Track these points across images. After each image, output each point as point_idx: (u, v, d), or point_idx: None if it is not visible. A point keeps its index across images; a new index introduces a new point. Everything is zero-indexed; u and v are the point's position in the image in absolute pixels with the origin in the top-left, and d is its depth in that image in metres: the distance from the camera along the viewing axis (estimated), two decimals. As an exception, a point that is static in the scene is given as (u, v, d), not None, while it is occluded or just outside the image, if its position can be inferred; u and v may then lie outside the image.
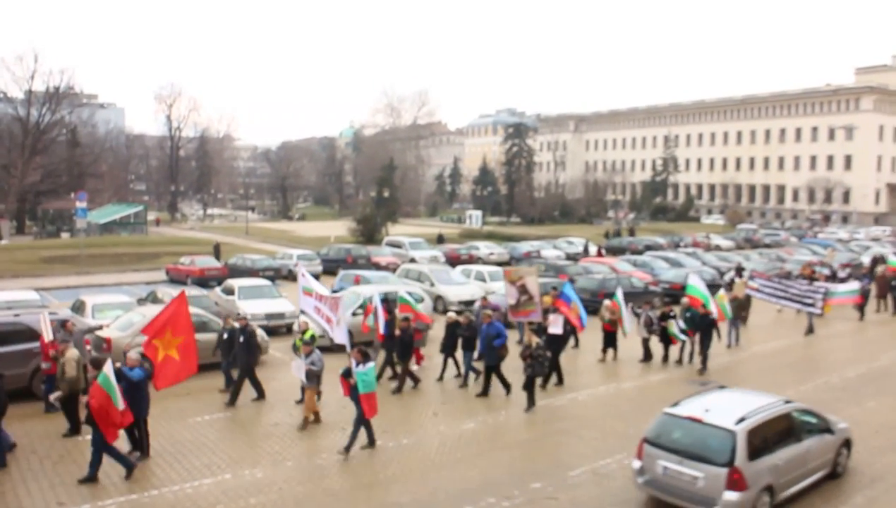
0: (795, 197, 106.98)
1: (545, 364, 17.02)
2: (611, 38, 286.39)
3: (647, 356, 22.15)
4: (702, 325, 21.15)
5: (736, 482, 10.71)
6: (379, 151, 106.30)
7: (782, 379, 20.34)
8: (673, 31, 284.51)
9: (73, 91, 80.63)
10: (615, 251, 54.48)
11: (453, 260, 45.81)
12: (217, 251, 47.02)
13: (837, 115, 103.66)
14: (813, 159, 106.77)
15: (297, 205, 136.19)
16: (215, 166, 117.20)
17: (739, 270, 37.22)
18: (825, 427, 12.91)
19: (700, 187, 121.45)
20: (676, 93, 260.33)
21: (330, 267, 41.62)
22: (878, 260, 40.37)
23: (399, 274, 34.11)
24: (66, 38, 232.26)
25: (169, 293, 25.44)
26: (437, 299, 29.88)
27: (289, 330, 24.25)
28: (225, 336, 18.18)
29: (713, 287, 27.76)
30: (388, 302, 21.08)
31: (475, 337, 19.05)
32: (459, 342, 19.41)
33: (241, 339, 17.22)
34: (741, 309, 25.30)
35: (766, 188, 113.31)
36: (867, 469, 13.73)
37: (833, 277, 35.46)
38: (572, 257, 48.89)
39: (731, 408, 11.79)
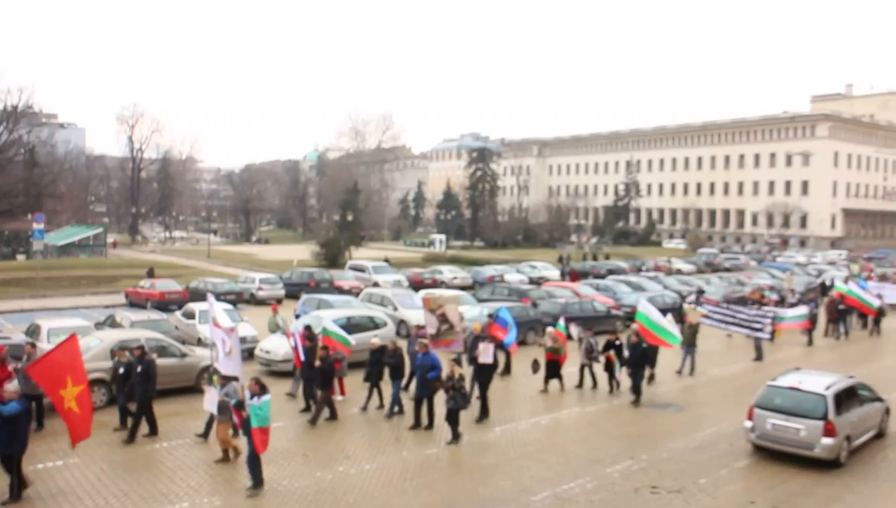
0: (754, 221, 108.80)
1: (468, 396, 16.34)
2: (574, 64, 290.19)
3: (583, 382, 21.58)
4: (633, 354, 20.31)
5: (829, 431, 14.83)
6: (343, 175, 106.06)
7: (736, 403, 20.52)
8: (634, 58, 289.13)
9: (32, 110, 79.13)
10: (578, 275, 54.82)
11: (416, 285, 45.75)
12: (151, 274, 45.65)
13: (794, 142, 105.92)
14: (771, 184, 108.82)
15: (259, 228, 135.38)
16: (177, 188, 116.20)
17: (700, 294, 37.66)
18: (876, 398, 17.15)
19: (661, 212, 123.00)
20: (638, 119, 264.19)
21: (292, 292, 41.29)
22: (829, 284, 40.88)
23: (362, 299, 33.95)
24: (26, 56, 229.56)
25: (127, 317, 25.07)
26: (401, 323, 29.77)
27: (250, 354, 23.98)
28: (121, 370, 16.67)
29: (662, 312, 27.55)
30: (310, 329, 20.00)
31: (402, 365, 18.41)
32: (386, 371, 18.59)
33: (139, 369, 15.96)
34: (694, 335, 24.54)
35: (726, 213, 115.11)
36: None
37: (782, 302, 35.43)
38: (536, 281, 49.12)
39: (817, 380, 16.10)
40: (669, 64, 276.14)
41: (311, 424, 17.31)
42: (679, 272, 59.54)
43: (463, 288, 44.74)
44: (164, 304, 36.28)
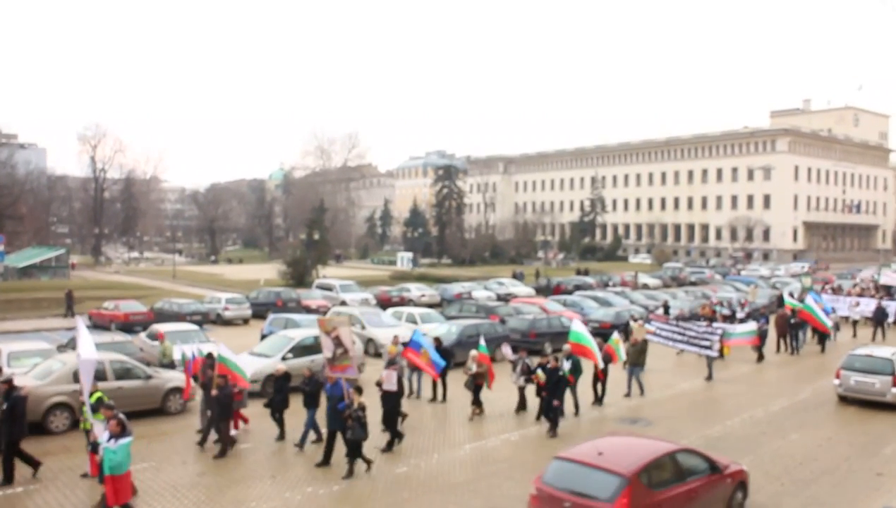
0: (718, 235, 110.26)
1: (366, 426, 15.09)
2: (539, 82, 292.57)
3: (523, 405, 20.58)
4: (551, 379, 18.78)
5: None
6: (309, 193, 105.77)
7: (702, 417, 20.70)
8: (597, 74, 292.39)
9: (-8, 131, 78.35)
10: (543, 291, 55.26)
11: (384, 303, 45.64)
12: (69, 299, 44.38)
13: (755, 156, 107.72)
14: (734, 198, 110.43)
15: (226, 247, 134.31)
16: (141, 208, 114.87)
17: (666, 308, 37.92)
18: None
19: (627, 227, 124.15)
20: (602, 136, 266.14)
21: (259, 311, 41.01)
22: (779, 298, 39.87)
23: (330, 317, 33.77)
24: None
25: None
26: (369, 342, 29.68)
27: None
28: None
29: (558, 335, 27.61)
30: (211, 357, 18.20)
31: (317, 393, 17.07)
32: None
33: (4, 406, 14.25)
34: (640, 354, 23.41)
35: (691, 227, 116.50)
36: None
37: (732, 317, 34.49)
38: (503, 298, 49.26)
39: (884, 350, 22.89)
40: (632, 80, 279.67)
41: (218, 458, 16.28)
42: (645, 286, 60.06)
43: (431, 305, 44.73)
44: (129, 326, 35.87)
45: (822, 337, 32.20)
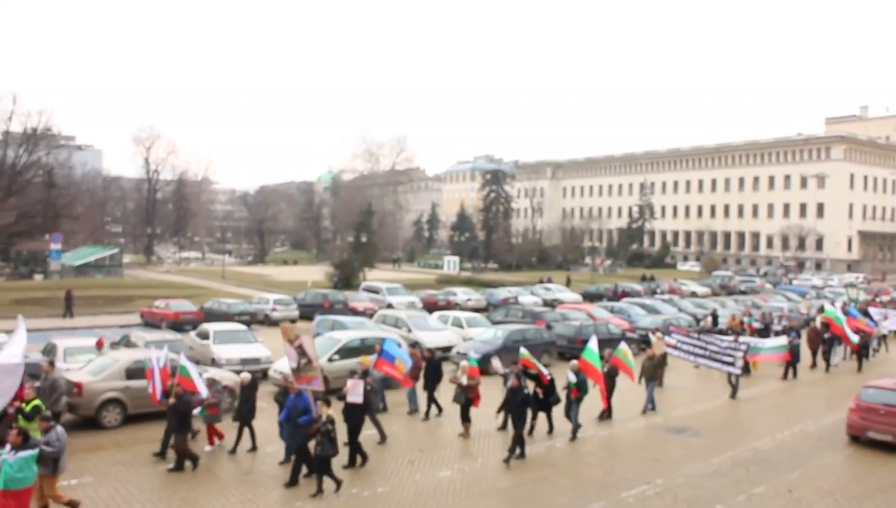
0: (769, 244, 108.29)
1: (336, 441, 14.22)
2: (588, 86, 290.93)
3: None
4: (513, 400, 16.99)
5: None
6: (357, 196, 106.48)
7: (730, 436, 20.36)
8: (648, 80, 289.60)
9: (51, 132, 79.98)
10: (592, 297, 54.90)
11: (430, 306, 45.72)
12: (69, 299, 42.75)
13: (809, 164, 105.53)
14: (786, 207, 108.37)
15: (274, 249, 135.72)
16: (192, 209, 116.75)
17: (715, 317, 37.37)
18: None
19: (676, 234, 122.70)
20: (651, 141, 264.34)
21: (306, 313, 41.38)
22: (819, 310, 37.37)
23: (376, 320, 33.98)
24: (44, 79, 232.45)
25: (142, 337, 25.19)
26: (414, 345, 29.74)
27: (265, 375, 23.99)
28: None
29: (605, 342, 25.29)
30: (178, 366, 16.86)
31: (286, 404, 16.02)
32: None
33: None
34: (657, 368, 22.42)
35: (741, 235, 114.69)
36: None
37: (766, 330, 32.11)
38: (550, 303, 49.04)
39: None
40: (683, 85, 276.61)
41: (174, 471, 15.30)
42: (693, 295, 59.31)
43: (477, 310, 44.70)
44: (179, 324, 36.44)
45: (859, 353, 29.79)
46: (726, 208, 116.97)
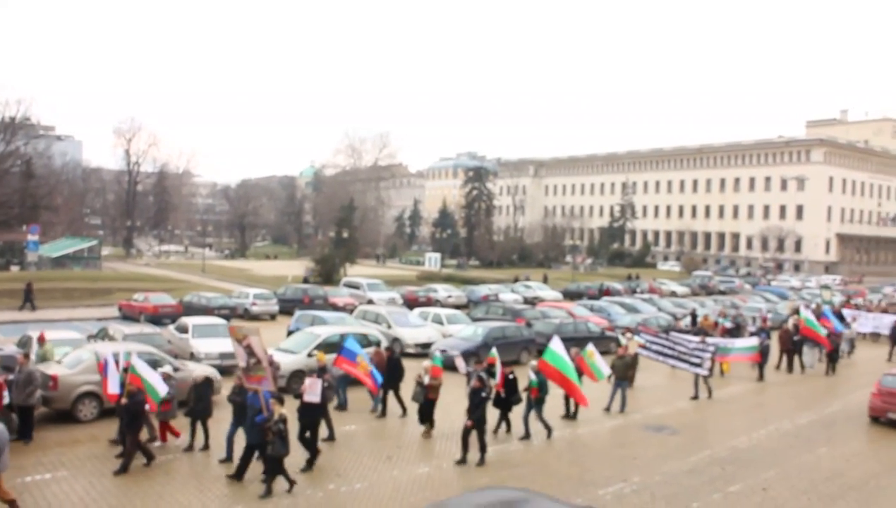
0: (749, 245, 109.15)
1: (288, 440, 13.86)
2: (571, 85, 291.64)
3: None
4: (473, 402, 16.41)
5: None
6: (339, 192, 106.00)
7: (709, 434, 20.47)
8: (632, 80, 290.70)
9: (30, 122, 79.33)
10: (572, 296, 55.16)
11: (411, 303, 45.71)
12: (28, 291, 41.46)
13: (789, 166, 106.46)
14: (766, 208, 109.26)
15: (255, 243, 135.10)
16: (173, 202, 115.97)
17: (694, 316, 37.60)
18: None
19: (657, 234, 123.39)
20: (634, 141, 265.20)
21: (286, 307, 41.25)
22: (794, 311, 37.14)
23: (356, 316, 33.93)
24: (24, 68, 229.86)
25: (120, 330, 24.98)
26: (394, 341, 29.72)
27: (244, 370, 23.84)
28: None
29: (583, 340, 25.38)
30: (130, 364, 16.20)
31: (245, 405, 15.36)
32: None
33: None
34: (628, 368, 22.16)
35: (721, 236, 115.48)
36: None
37: (738, 329, 32.20)
38: (530, 301, 49.17)
39: None
40: (667, 86, 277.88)
41: (118, 473, 14.70)
42: (673, 294, 59.66)
43: (457, 306, 44.75)
44: (158, 318, 36.21)
45: (830, 355, 29.44)
46: (707, 209, 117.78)
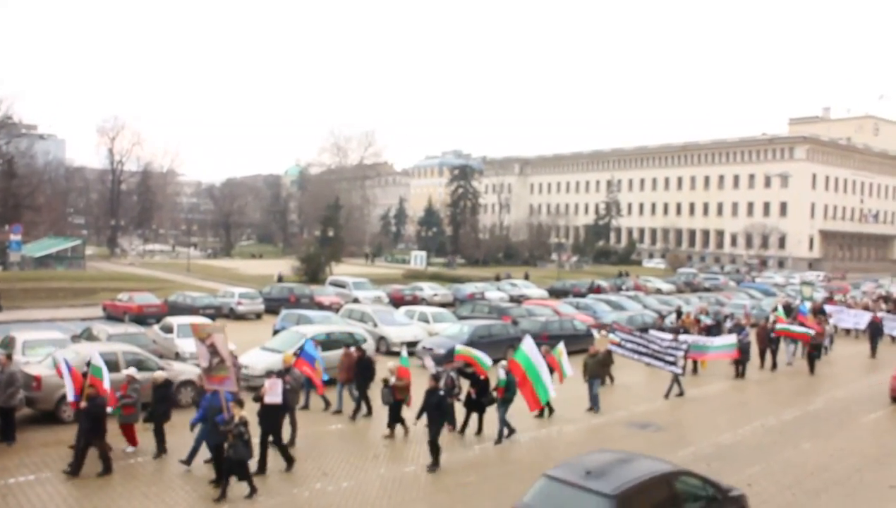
0: (734, 242, 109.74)
1: (250, 443, 13.46)
2: (556, 83, 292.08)
3: (452, 423, 18.23)
4: (427, 402, 15.96)
5: None
6: (324, 190, 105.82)
7: (693, 431, 20.56)
8: (617, 78, 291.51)
9: (12, 121, 78.71)
10: (558, 294, 55.29)
11: (397, 301, 45.67)
12: None
13: (773, 164, 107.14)
14: (750, 205, 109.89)
15: (240, 242, 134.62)
16: (158, 201, 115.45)
17: (679, 313, 37.67)
18: None
19: (642, 231, 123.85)
20: (619, 139, 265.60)
21: (272, 307, 41.12)
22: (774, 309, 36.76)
23: (342, 314, 33.86)
24: (6, 67, 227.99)
25: (104, 330, 24.81)
26: (380, 340, 29.71)
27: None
28: None
29: (570, 338, 25.78)
30: (90, 365, 15.48)
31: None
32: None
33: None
34: (601, 366, 22.01)
35: (706, 233, 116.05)
36: None
37: (717, 327, 31.54)
38: (516, 299, 49.22)
39: None
40: (651, 84, 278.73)
41: (70, 475, 14.32)
42: (658, 291, 59.87)
43: (443, 305, 44.75)
44: (142, 318, 36.04)
45: (810, 355, 28.88)
46: (692, 206, 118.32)
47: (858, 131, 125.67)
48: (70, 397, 15.35)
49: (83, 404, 14.66)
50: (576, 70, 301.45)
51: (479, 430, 18.47)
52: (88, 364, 15.49)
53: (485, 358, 19.07)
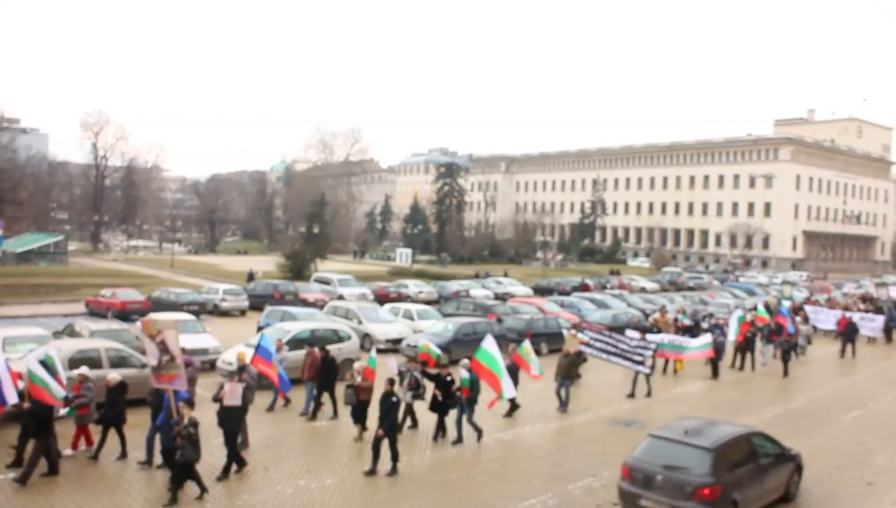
0: (718, 241, 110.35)
1: (199, 445, 13.15)
2: (542, 82, 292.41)
3: (413, 423, 18.43)
4: (381, 407, 15.48)
5: None
6: (310, 187, 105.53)
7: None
8: (602, 77, 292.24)
9: (-7, 114, 78.19)
10: (543, 292, 55.41)
11: (382, 298, 45.64)
12: None
13: (758, 164, 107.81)
14: (734, 205, 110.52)
15: (225, 238, 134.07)
16: (142, 197, 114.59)
17: (664, 312, 37.71)
18: None
19: (627, 230, 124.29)
20: (605, 138, 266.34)
21: (257, 303, 40.98)
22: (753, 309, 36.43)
23: (327, 311, 33.80)
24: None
25: (87, 326, 24.65)
26: (365, 337, 29.66)
27: (212, 366, 23.72)
28: None
29: (554, 336, 26.51)
30: (28, 372, 14.73)
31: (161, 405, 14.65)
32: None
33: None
34: (573, 366, 21.73)
35: (690, 232, 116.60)
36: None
37: (696, 327, 31.10)
38: (500, 297, 49.30)
39: None
40: (637, 84, 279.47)
41: (19, 483, 13.68)
42: (643, 290, 60.11)
43: (428, 302, 44.76)
44: (125, 314, 35.84)
45: (784, 357, 28.42)
46: (677, 205, 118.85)
47: (842, 133, 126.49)
48: (13, 399, 14.57)
49: (26, 404, 14.21)
50: (563, 69, 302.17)
51: (443, 434, 17.95)
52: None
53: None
